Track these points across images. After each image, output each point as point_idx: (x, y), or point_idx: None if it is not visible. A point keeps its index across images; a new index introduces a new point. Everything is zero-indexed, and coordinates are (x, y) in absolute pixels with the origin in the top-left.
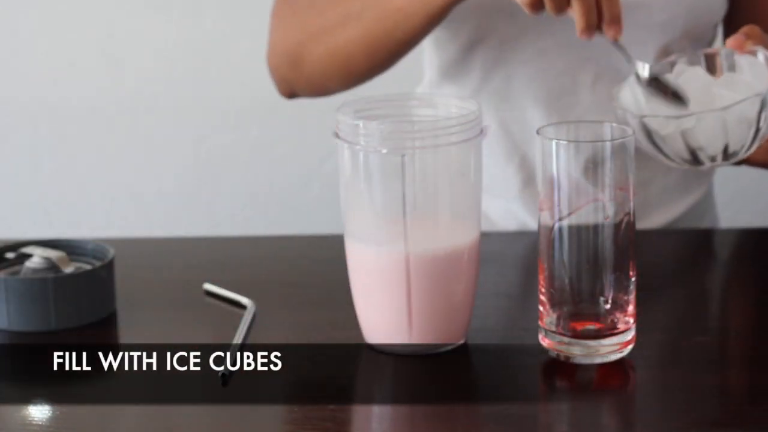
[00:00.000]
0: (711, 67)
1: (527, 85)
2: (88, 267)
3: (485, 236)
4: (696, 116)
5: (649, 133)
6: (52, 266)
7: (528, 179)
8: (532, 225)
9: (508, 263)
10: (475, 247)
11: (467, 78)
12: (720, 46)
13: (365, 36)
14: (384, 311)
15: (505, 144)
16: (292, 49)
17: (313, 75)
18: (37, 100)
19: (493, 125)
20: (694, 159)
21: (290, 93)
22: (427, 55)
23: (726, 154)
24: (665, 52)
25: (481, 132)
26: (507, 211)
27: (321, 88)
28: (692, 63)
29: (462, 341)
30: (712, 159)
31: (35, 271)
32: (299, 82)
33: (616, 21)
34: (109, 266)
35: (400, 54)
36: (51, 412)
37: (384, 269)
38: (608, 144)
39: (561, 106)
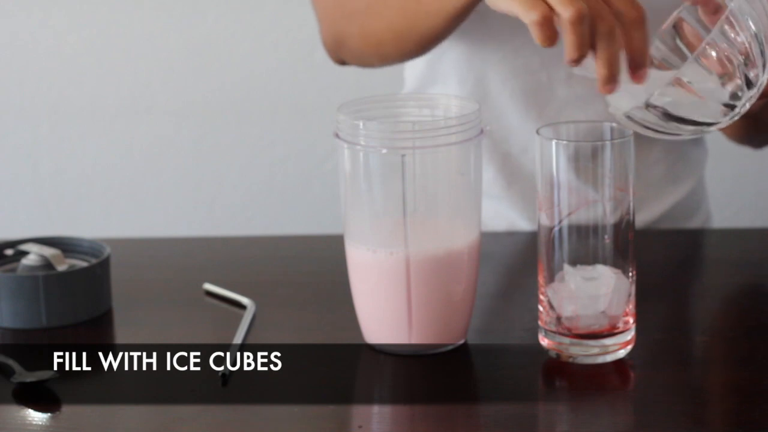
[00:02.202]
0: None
1: (502, 84)
2: (83, 264)
3: (482, 236)
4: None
5: (668, 113)
6: (47, 263)
7: (512, 177)
8: (520, 223)
9: (507, 263)
10: (475, 247)
11: (443, 83)
12: (678, 10)
13: (390, 27)
14: (384, 311)
15: (485, 144)
16: (333, 29)
17: (354, 53)
18: (37, 100)
19: None
20: (728, 106)
21: (341, 63)
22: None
23: (748, 82)
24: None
25: (481, 132)
26: (495, 210)
27: (365, 64)
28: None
29: (462, 341)
30: (738, 96)
31: (31, 268)
32: (346, 57)
33: (640, 61)
34: (104, 264)
35: (431, 44)
36: (51, 412)
37: (384, 269)
38: (608, 144)
39: (537, 103)
